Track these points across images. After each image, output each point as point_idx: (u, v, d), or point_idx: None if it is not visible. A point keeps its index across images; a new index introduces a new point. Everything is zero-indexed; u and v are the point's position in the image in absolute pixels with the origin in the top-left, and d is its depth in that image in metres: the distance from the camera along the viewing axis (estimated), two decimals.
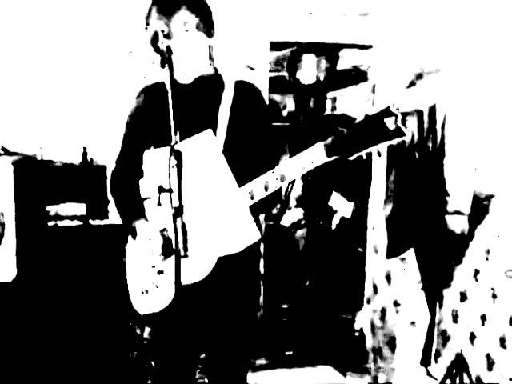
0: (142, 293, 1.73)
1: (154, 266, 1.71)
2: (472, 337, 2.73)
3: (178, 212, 1.49)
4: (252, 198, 1.63)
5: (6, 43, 3.25)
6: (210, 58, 1.78)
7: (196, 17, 1.71)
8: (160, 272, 1.69)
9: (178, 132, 1.55)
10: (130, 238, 1.82)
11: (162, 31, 1.64)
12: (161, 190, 1.52)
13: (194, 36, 1.70)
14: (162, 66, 1.62)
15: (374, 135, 1.40)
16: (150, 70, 1.80)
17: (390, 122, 1.37)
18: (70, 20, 3.27)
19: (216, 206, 1.67)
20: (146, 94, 1.83)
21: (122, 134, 1.88)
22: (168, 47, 1.62)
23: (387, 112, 1.37)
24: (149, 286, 1.72)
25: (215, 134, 1.72)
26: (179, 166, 1.49)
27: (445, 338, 2.85)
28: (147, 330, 2.92)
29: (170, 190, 1.49)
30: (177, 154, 1.50)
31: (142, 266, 1.74)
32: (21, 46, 3.26)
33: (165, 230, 1.68)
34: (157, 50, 1.70)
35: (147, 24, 1.73)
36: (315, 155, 1.52)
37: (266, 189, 1.60)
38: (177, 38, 1.68)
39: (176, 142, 1.53)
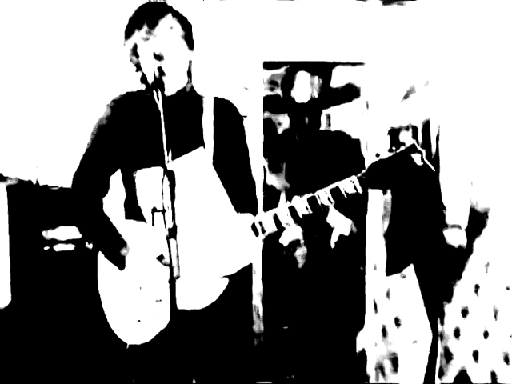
0: (138, 321, 1.68)
1: (150, 294, 1.67)
2: (475, 353, 2.68)
3: (172, 233, 1.47)
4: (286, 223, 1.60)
5: (2, 68, 3.26)
6: (189, 72, 1.76)
7: (180, 26, 1.68)
8: (158, 300, 1.66)
9: (170, 151, 1.54)
10: (103, 264, 1.74)
11: (147, 38, 1.62)
12: (154, 210, 1.50)
13: (180, 44, 1.68)
14: (154, 88, 1.60)
15: (405, 170, 1.50)
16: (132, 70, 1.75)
17: (417, 158, 1.48)
18: (67, 40, 3.28)
19: (210, 226, 1.65)
20: (117, 107, 1.76)
21: (86, 148, 1.76)
22: (160, 68, 1.60)
23: (413, 149, 1.48)
24: (143, 315, 1.67)
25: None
26: (172, 186, 1.47)
27: (448, 355, 2.79)
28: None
29: (164, 211, 1.47)
30: (170, 174, 1.48)
31: (136, 294, 1.69)
32: (16, 69, 3.27)
33: (162, 257, 1.64)
34: (136, 64, 1.68)
35: (127, 36, 1.69)
36: (348, 187, 1.54)
37: (299, 217, 1.59)
38: (163, 46, 1.64)
39: (168, 162, 1.52)
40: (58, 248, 3.00)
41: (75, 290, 2.87)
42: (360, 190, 1.54)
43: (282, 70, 4.38)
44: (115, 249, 1.69)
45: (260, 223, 1.62)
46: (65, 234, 3.06)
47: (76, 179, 1.79)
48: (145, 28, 1.63)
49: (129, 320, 1.69)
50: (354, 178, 1.54)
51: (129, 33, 1.68)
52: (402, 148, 1.49)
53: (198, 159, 1.69)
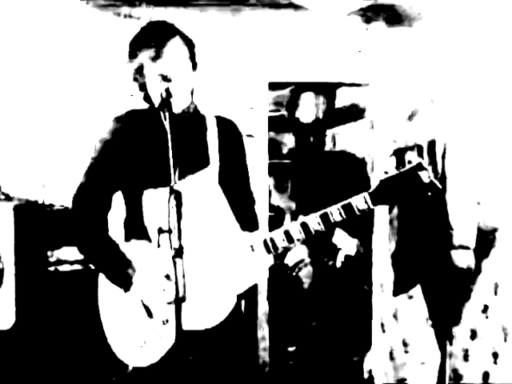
0: (142, 345, 1.64)
1: (155, 316, 1.64)
2: (485, 375, 2.64)
3: (178, 253, 1.46)
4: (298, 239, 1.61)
5: (7, 85, 3.29)
6: (192, 92, 1.75)
7: (187, 47, 1.69)
8: (165, 321, 1.63)
9: (176, 171, 1.54)
10: (105, 286, 1.70)
11: (154, 59, 1.62)
12: (160, 231, 1.49)
13: (186, 65, 1.68)
14: (161, 108, 1.60)
15: (412, 187, 1.55)
16: (135, 89, 1.74)
17: (424, 176, 1.53)
18: (73, 60, 3.32)
19: (216, 245, 1.64)
20: (121, 124, 1.73)
21: (89, 165, 1.73)
22: (167, 90, 1.60)
23: (420, 166, 1.54)
24: (149, 338, 1.64)
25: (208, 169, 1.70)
26: (179, 206, 1.46)
27: (457, 376, 2.75)
28: None
29: (170, 231, 1.46)
30: (177, 195, 1.48)
31: (141, 316, 1.66)
32: (24, 90, 3.30)
33: (168, 276, 1.62)
34: (141, 85, 1.67)
35: (132, 56, 1.67)
36: (360, 203, 1.58)
37: (311, 232, 1.60)
38: (170, 67, 1.64)
39: (175, 182, 1.52)
40: (62, 268, 2.98)
41: (79, 311, 2.84)
42: (371, 206, 1.56)
43: (286, 91, 4.41)
44: (120, 270, 1.65)
45: (271, 240, 1.61)
46: (69, 255, 3.05)
47: (77, 197, 1.74)
48: (152, 49, 1.63)
49: (133, 342, 1.66)
50: (365, 193, 1.56)
51: (134, 52, 1.67)
52: (410, 166, 1.53)
53: (204, 179, 1.69)
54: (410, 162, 1.53)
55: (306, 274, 3.83)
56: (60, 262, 3.00)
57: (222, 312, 1.64)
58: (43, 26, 3.29)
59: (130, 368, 1.68)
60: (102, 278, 1.71)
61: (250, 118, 3.67)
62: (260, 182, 3.32)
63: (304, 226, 1.58)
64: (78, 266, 2.99)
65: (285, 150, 4.42)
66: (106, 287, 1.70)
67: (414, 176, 1.52)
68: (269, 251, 1.61)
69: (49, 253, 3.02)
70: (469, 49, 2.85)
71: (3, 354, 2.69)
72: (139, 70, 1.67)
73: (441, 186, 1.55)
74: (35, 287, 2.85)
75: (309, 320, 3.82)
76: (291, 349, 3.79)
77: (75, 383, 2.78)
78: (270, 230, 1.71)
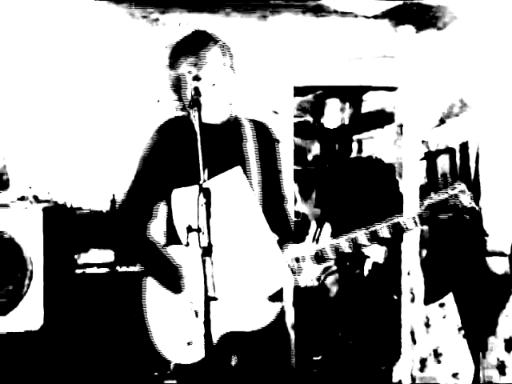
0: (188, 344, 1.67)
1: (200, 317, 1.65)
2: None
3: (207, 252, 1.44)
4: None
5: (37, 92, 3.33)
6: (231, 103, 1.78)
7: (228, 56, 1.72)
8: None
9: (206, 170, 1.53)
10: (152, 288, 1.74)
11: (190, 72, 1.64)
12: (189, 229, 1.49)
13: (230, 74, 1.70)
14: (191, 107, 1.60)
15: (454, 210, 1.66)
16: (164, 94, 1.75)
17: (465, 200, 1.63)
18: (99, 68, 3.34)
19: (246, 245, 1.62)
20: (163, 132, 1.78)
21: (135, 174, 1.78)
22: (196, 88, 1.60)
23: (463, 191, 1.65)
24: (194, 337, 1.66)
25: (247, 173, 1.71)
26: (208, 204, 1.45)
27: None
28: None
29: (199, 230, 1.45)
30: (206, 193, 1.46)
31: (187, 317, 1.68)
32: (49, 93, 3.33)
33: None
34: (179, 93, 1.69)
35: (174, 66, 1.69)
36: (410, 223, 1.66)
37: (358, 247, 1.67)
38: (213, 77, 1.66)
39: (204, 181, 1.51)
40: (89, 271, 2.99)
41: (106, 313, 2.84)
42: (420, 226, 1.65)
43: (310, 97, 4.37)
44: (172, 276, 1.70)
45: (321, 251, 1.66)
46: (97, 257, 3.05)
47: (125, 205, 1.79)
48: (194, 58, 1.66)
49: (179, 341, 1.68)
50: (415, 215, 1.65)
51: (175, 62, 1.69)
52: (454, 191, 1.63)
53: (234, 178, 1.68)
54: (451, 184, 1.63)
55: (332, 281, 3.76)
56: (87, 264, 3.01)
57: (267, 316, 1.66)
58: (79, 36, 3.33)
59: (172, 365, 1.70)
60: (149, 281, 1.76)
61: (276, 123, 3.64)
62: (285, 188, 3.28)
63: (354, 241, 1.65)
64: (104, 269, 2.99)
65: (310, 157, 4.38)
66: (153, 289, 1.75)
67: (457, 200, 1.62)
68: (318, 262, 1.66)
69: (76, 255, 3.03)
70: (500, 51, 2.78)
71: (31, 355, 2.69)
72: (179, 80, 1.69)
73: (478, 208, 1.66)
74: (63, 289, 2.85)
75: (335, 328, 3.74)
76: (317, 358, 3.72)
77: (102, 381, 2.77)
78: (295, 236, 1.75)
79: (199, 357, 1.64)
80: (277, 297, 1.68)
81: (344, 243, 1.64)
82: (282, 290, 1.69)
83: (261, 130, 1.79)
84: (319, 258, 1.65)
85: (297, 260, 1.65)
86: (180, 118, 1.77)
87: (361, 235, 1.63)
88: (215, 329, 1.53)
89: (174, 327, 1.70)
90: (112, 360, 2.79)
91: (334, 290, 3.75)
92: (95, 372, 2.76)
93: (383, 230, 1.63)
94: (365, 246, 1.64)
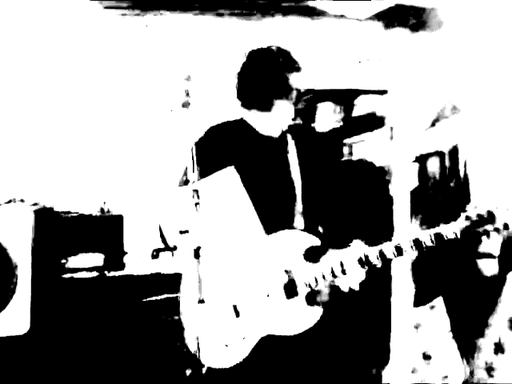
0: (226, 346, 1.67)
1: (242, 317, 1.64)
2: None
3: (196, 254, 1.43)
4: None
5: (26, 95, 3.31)
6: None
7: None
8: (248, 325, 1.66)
9: (197, 170, 1.53)
10: (187, 291, 1.72)
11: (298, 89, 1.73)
12: (180, 232, 1.48)
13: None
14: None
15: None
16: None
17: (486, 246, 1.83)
18: (104, 74, 3.33)
19: (236, 246, 1.60)
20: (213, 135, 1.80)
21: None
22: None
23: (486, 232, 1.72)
24: (231, 340, 1.66)
25: (292, 182, 1.73)
26: (198, 204, 1.46)
27: None
28: None
29: (188, 231, 1.46)
30: (196, 193, 1.46)
31: (226, 319, 1.68)
32: (39, 96, 3.31)
33: (290, 271, 1.62)
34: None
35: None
36: (450, 234, 1.72)
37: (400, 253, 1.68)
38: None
39: (194, 182, 1.50)
40: (78, 275, 2.96)
41: (94, 318, 2.81)
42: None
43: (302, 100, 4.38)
44: None
45: (366, 257, 1.68)
46: (85, 262, 3.02)
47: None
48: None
49: (217, 344, 1.66)
50: (457, 230, 1.70)
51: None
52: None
53: (226, 178, 1.66)
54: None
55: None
56: (75, 269, 2.98)
57: (308, 321, 1.67)
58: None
59: (205, 368, 1.68)
60: (184, 283, 1.74)
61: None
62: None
63: (398, 249, 1.67)
64: (92, 273, 2.96)
65: None
66: (188, 292, 1.73)
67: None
68: (363, 266, 1.69)
69: (64, 259, 3.00)
70: (491, 54, 2.81)
71: (18, 360, 2.66)
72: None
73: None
74: (50, 293, 2.82)
75: (324, 332, 3.73)
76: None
77: None
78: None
79: (234, 361, 1.64)
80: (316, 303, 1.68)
81: (389, 249, 1.64)
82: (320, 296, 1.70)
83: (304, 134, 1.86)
84: (363, 262, 1.65)
85: (341, 264, 1.64)
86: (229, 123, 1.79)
87: (404, 242, 1.64)
88: (254, 330, 1.55)
89: (213, 330, 1.68)
90: (100, 365, 2.76)
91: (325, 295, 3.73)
92: (83, 378, 2.73)
93: (426, 240, 1.66)
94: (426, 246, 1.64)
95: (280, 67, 1.75)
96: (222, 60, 2.72)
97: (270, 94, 1.73)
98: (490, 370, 2.63)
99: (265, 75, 1.74)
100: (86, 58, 3.34)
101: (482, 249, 2.57)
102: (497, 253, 2.55)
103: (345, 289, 1.65)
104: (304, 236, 1.68)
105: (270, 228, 1.69)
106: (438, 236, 1.64)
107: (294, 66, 1.77)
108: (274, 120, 1.74)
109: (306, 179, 1.79)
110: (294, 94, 1.74)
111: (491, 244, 2.56)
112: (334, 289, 1.70)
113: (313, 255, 1.67)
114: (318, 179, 1.82)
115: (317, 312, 1.68)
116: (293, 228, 1.71)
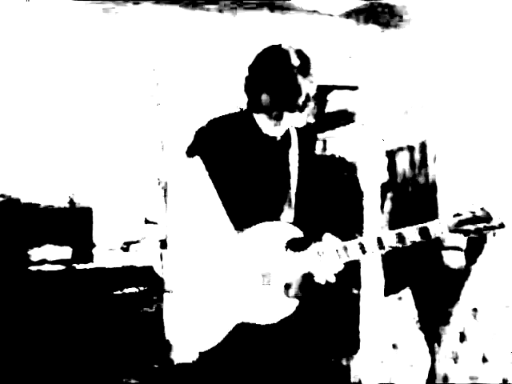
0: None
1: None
2: (473, 378, 2.63)
3: (163, 245, 1.44)
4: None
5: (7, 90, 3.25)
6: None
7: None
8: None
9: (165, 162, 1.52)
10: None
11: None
12: (146, 221, 1.48)
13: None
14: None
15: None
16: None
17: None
18: (71, 65, 3.28)
19: (202, 237, 1.61)
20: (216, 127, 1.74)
21: None
22: None
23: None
24: (204, 326, 1.63)
25: (289, 182, 1.71)
26: (165, 196, 1.45)
27: (446, 380, 2.73)
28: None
29: (156, 222, 1.46)
30: (163, 185, 1.46)
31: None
32: (17, 88, 3.26)
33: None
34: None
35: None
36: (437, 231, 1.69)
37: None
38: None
39: (162, 176, 1.50)
40: (45, 268, 2.92)
41: (62, 311, 2.78)
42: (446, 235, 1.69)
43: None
44: None
45: (345, 248, 1.65)
46: (54, 254, 2.98)
47: None
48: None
49: (189, 332, 1.62)
50: (446, 229, 1.67)
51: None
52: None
53: (192, 168, 1.66)
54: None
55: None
56: (43, 261, 2.94)
57: (282, 311, 1.66)
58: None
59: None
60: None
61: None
62: None
63: (379, 241, 1.67)
64: (60, 266, 2.92)
65: None
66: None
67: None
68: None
69: (31, 252, 2.95)
70: (460, 51, 2.88)
71: None
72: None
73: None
74: (15, 286, 2.78)
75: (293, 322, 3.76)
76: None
77: (57, 381, 2.71)
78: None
79: (207, 346, 1.61)
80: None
81: (371, 241, 1.64)
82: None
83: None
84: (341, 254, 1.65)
85: (345, 248, 1.64)
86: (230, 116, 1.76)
87: (388, 235, 1.64)
88: (228, 318, 1.53)
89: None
90: (70, 359, 2.74)
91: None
92: (51, 372, 2.70)
93: (410, 235, 1.65)
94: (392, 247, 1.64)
95: (295, 75, 1.64)
96: (197, 53, 2.71)
97: (281, 107, 1.65)
98: (455, 357, 2.71)
99: (277, 86, 1.62)
100: (56, 47, 3.29)
101: (449, 242, 2.65)
102: (463, 246, 2.63)
103: (321, 281, 1.65)
104: (288, 227, 1.68)
105: (251, 219, 1.69)
106: (424, 230, 1.65)
107: (309, 73, 1.68)
108: (282, 128, 1.72)
109: (302, 173, 1.80)
110: (309, 107, 1.70)
111: (458, 237, 2.64)
112: (308, 281, 1.70)
113: (295, 246, 1.67)
114: (312, 174, 1.81)
115: (293, 303, 1.68)
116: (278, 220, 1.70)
